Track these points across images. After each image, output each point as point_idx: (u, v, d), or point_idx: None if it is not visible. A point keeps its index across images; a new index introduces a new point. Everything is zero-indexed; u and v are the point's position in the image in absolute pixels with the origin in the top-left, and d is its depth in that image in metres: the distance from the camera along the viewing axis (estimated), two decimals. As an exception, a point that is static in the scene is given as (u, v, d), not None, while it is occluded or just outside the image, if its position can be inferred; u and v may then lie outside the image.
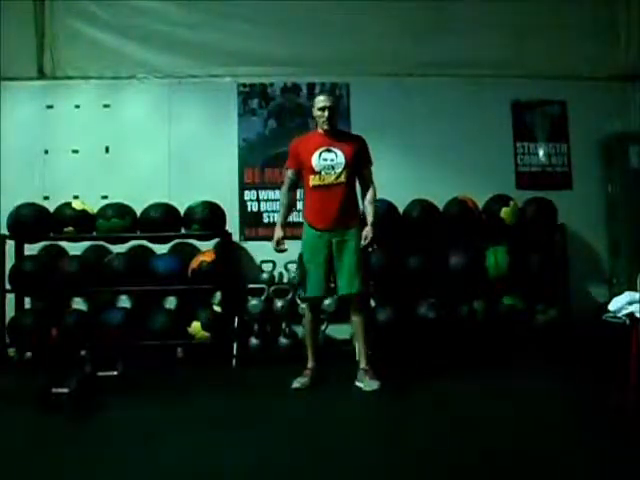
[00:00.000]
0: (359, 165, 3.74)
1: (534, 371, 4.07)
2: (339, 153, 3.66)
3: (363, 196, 3.81)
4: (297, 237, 3.88)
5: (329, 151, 3.67)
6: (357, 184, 3.84)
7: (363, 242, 3.61)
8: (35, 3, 5.32)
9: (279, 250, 3.78)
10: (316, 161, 3.65)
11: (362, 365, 3.64)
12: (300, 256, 3.76)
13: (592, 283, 5.41)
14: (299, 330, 5.01)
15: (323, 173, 3.64)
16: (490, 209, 5.08)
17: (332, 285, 3.78)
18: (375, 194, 3.79)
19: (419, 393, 3.49)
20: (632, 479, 2.12)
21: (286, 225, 3.84)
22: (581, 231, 5.40)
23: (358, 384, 3.58)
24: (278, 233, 3.76)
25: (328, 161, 3.65)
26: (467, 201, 5.05)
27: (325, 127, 3.72)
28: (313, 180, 3.67)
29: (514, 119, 5.56)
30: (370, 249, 3.89)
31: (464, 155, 5.38)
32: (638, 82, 5.59)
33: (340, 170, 3.64)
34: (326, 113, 3.69)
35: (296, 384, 3.59)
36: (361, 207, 3.84)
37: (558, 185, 5.49)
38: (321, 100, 3.75)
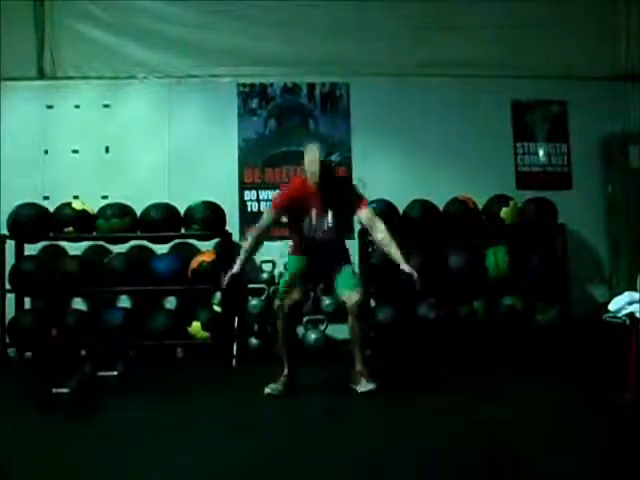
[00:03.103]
0: (352, 213, 3.60)
1: (534, 371, 4.07)
2: (330, 217, 3.51)
3: (375, 237, 3.58)
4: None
5: (321, 216, 3.51)
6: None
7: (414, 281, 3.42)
8: (35, 3, 5.33)
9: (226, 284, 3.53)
10: (307, 227, 3.53)
11: (357, 368, 3.53)
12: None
13: (592, 283, 5.41)
14: (299, 330, 5.02)
15: (312, 233, 3.54)
16: (490, 209, 5.09)
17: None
18: (387, 232, 3.51)
19: (419, 393, 3.49)
20: (632, 479, 2.12)
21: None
22: (581, 231, 5.40)
23: (353, 387, 3.49)
24: (235, 269, 3.50)
25: (320, 226, 3.52)
26: (467, 201, 5.05)
27: (315, 182, 3.46)
28: (303, 236, 3.57)
29: (514, 119, 5.57)
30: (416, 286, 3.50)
31: (464, 155, 5.38)
32: (638, 82, 5.59)
33: (331, 230, 3.53)
34: (317, 170, 3.43)
35: (268, 390, 3.44)
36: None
37: (558, 185, 5.49)
38: (310, 153, 3.50)
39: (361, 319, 3.53)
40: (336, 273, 3.58)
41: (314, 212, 3.51)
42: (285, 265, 3.76)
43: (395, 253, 3.48)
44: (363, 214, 3.54)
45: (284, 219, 3.71)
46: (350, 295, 3.50)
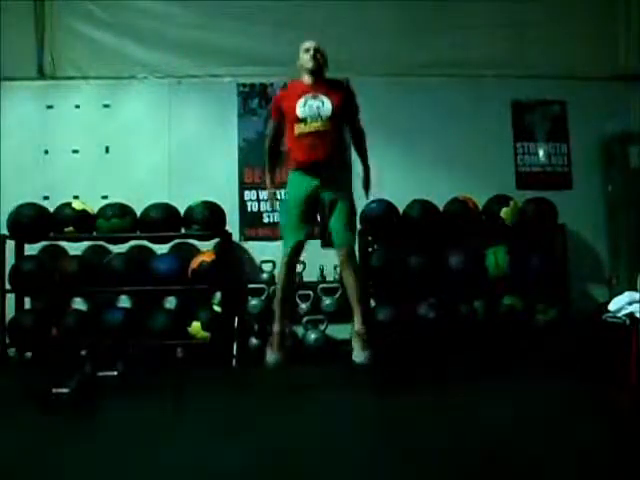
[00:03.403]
0: (348, 114, 3.63)
1: (534, 371, 4.07)
2: (326, 100, 3.48)
3: (355, 146, 3.77)
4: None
5: (315, 98, 3.48)
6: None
7: (363, 188, 3.71)
8: (35, 3, 5.33)
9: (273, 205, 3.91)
10: (301, 108, 3.46)
11: (356, 327, 3.49)
12: (284, 204, 3.70)
13: (592, 283, 5.41)
14: (299, 330, 5.02)
15: (309, 120, 3.46)
16: (490, 209, 5.08)
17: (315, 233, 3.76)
18: (364, 139, 3.80)
19: (419, 393, 3.49)
20: (632, 479, 2.12)
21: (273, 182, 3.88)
22: (581, 231, 5.40)
23: (351, 351, 3.51)
24: (270, 190, 3.83)
25: (314, 108, 3.46)
26: (467, 201, 5.05)
27: (310, 67, 3.53)
28: (298, 128, 3.49)
29: (514, 119, 5.56)
30: (366, 194, 3.83)
31: (464, 155, 5.38)
32: (638, 82, 5.59)
33: (327, 117, 3.47)
34: (311, 52, 3.54)
35: (270, 360, 3.52)
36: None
37: (558, 185, 5.49)
38: (306, 43, 3.60)
39: (354, 268, 3.50)
40: (334, 208, 3.53)
41: (307, 95, 3.51)
42: (283, 204, 3.74)
43: (363, 159, 3.79)
44: (355, 120, 3.71)
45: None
46: (341, 243, 3.49)
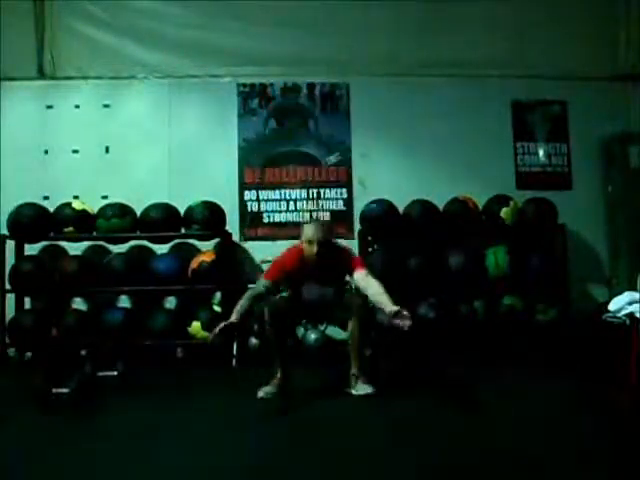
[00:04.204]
0: (348, 274, 3.57)
1: (534, 371, 4.07)
2: (329, 289, 3.58)
3: (368, 294, 3.39)
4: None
5: (319, 286, 3.57)
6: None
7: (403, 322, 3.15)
8: (35, 3, 5.32)
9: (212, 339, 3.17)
10: (305, 295, 3.59)
11: (353, 370, 3.46)
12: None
13: (592, 283, 5.41)
14: (300, 330, 5.01)
15: (309, 295, 3.60)
16: (490, 209, 5.08)
17: None
18: (380, 286, 3.34)
19: (419, 393, 3.49)
20: (632, 479, 2.12)
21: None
22: (581, 231, 5.40)
23: (348, 390, 3.41)
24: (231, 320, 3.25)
25: (316, 296, 3.58)
26: (467, 201, 5.05)
27: (314, 261, 3.44)
28: (300, 293, 3.61)
29: (514, 119, 5.56)
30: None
31: (464, 155, 5.38)
32: (638, 82, 5.59)
33: (328, 292, 3.59)
34: (314, 249, 3.40)
35: (261, 394, 3.38)
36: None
37: (558, 185, 5.49)
38: (309, 233, 3.44)
39: (361, 319, 3.45)
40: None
41: (311, 282, 3.56)
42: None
43: (382, 300, 3.25)
44: (358, 275, 3.43)
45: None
46: (351, 295, 3.49)
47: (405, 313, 3.06)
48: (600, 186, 5.50)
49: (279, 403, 3.30)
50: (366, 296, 3.40)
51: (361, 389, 3.37)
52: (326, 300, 3.57)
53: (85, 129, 5.38)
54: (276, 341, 3.50)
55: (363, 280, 3.40)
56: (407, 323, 3.04)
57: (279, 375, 3.49)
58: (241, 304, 3.33)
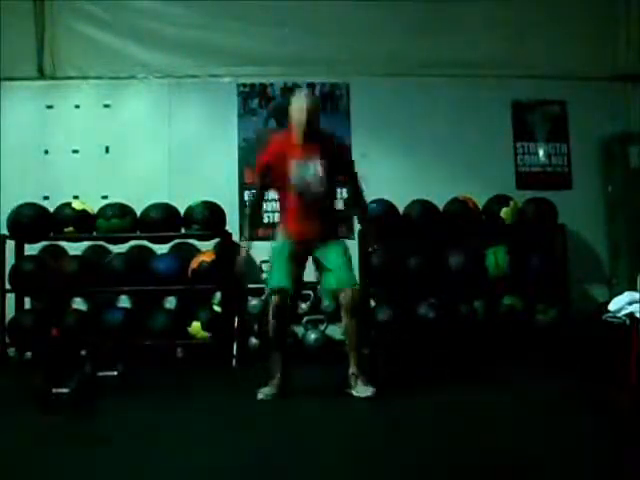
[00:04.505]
0: (340, 172, 3.52)
1: (534, 371, 4.07)
2: (317, 167, 3.36)
3: (353, 204, 3.64)
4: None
5: (305, 162, 3.36)
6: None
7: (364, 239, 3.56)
8: (35, 3, 5.32)
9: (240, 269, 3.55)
10: (291, 175, 3.36)
11: (352, 370, 3.38)
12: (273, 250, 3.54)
13: (592, 283, 5.41)
14: (299, 330, 5.02)
15: (298, 188, 3.36)
16: (490, 209, 5.09)
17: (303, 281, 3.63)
18: (362, 196, 3.60)
19: (419, 393, 3.49)
20: (632, 479, 2.12)
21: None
22: (581, 231, 5.40)
23: (349, 391, 3.35)
24: (244, 243, 3.55)
25: (304, 176, 3.35)
26: (467, 201, 5.05)
27: (301, 132, 3.36)
28: (289, 193, 3.41)
29: (514, 119, 5.57)
30: (371, 249, 3.75)
31: (464, 155, 5.38)
32: (638, 82, 5.59)
33: (317, 184, 3.37)
34: (305, 117, 3.33)
35: (260, 395, 3.33)
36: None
37: (558, 185, 5.49)
38: (300, 99, 3.44)
39: (356, 316, 3.35)
40: (327, 253, 3.40)
41: (302, 158, 3.37)
42: (271, 255, 3.55)
43: (358, 218, 3.79)
44: (349, 176, 3.55)
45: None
46: (344, 289, 3.31)
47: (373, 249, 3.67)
48: (600, 186, 5.50)
49: (279, 404, 3.30)
50: (358, 291, 3.39)
51: (361, 390, 3.30)
52: (318, 182, 3.37)
53: (85, 129, 5.38)
54: (277, 337, 3.42)
55: (354, 184, 3.57)
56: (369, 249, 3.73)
57: (278, 375, 3.43)
58: (245, 216, 3.68)
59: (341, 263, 3.38)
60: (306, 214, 3.40)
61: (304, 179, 3.36)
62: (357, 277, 3.51)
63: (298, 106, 3.37)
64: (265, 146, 3.64)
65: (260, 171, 3.55)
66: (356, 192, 3.61)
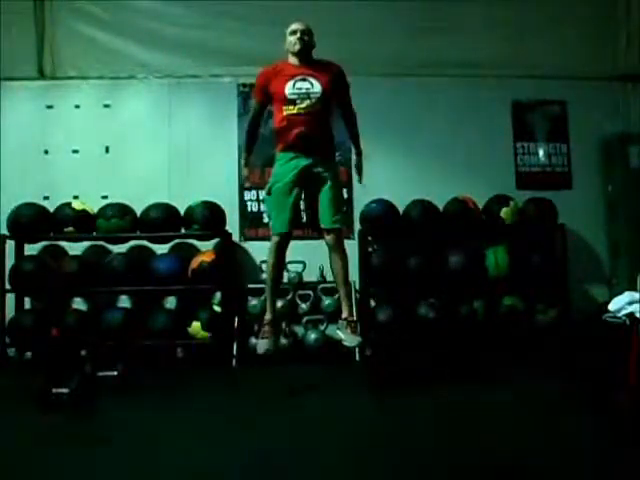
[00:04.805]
0: (337, 95, 3.56)
1: (534, 371, 4.07)
2: (315, 82, 3.42)
3: (347, 127, 3.72)
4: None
5: (304, 80, 3.42)
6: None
7: (356, 174, 3.72)
8: (35, 3, 5.32)
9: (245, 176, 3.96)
10: (289, 90, 3.39)
11: (344, 314, 3.44)
12: (269, 189, 3.55)
13: (592, 283, 5.41)
14: (299, 330, 5.02)
15: (298, 101, 3.39)
16: (490, 209, 5.09)
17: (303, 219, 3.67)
18: (356, 120, 3.73)
19: (419, 393, 3.49)
20: (632, 479, 2.12)
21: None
22: (581, 231, 5.40)
23: (339, 333, 3.42)
24: (245, 169, 3.92)
25: (303, 90, 3.40)
26: (467, 201, 5.05)
27: (297, 50, 3.46)
28: (287, 110, 3.42)
29: (514, 119, 5.57)
30: (360, 179, 3.77)
31: (464, 155, 5.38)
32: (638, 82, 5.59)
33: (316, 99, 3.40)
34: (298, 35, 3.47)
35: (264, 347, 3.43)
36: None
37: (558, 185, 5.49)
38: (294, 24, 3.54)
39: (342, 251, 3.47)
40: (320, 183, 3.47)
41: (300, 75, 3.44)
42: (270, 189, 3.55)
43: (354, 140, 3.79)
44: (345, 100, 3.63)
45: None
46: (329, 225, 3.42)
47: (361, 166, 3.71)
48: (600, 186, 5.50)
49: (279, 404, 3.30)
50: (341, 230, 3.51)
51: (349, 339, 3.36)
52: (314, 96, 3.42)
53: (85, 129, 5.38)
54: (274, 278, 3.55)
55: (349, 108, 3.68)
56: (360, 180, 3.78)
57: (269, 317, 3.53)
58: (245, 132, 3.84)
59: (330, 197, 3.47)
60: (303, 123, 3.44)
61: (302, 93, 3.42)
62: (343, 205, 3.73)
63: (292, 29, 3.53)
64: (262, 71, 3.66)
65: (259, 89, 3.59)
66: (350, 117, 3.72)
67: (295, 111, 3.42)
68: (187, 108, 5.45)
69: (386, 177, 5.33)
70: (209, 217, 4.91)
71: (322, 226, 3.47)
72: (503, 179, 5.40)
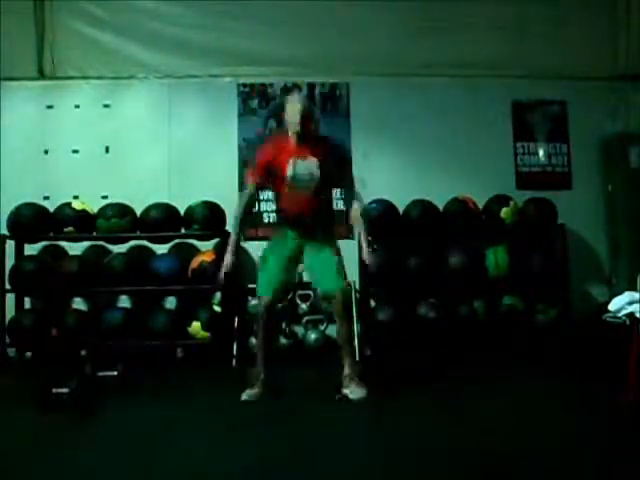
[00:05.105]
0: (337, 176, 3.49)
1: (534, 371, 4.07)
2: (314, 163, 3.38)
3: (347, 212, 3.52)
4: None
5: (304, 159, 3.37)
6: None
7: (367, 261, 3.47)
8: (35, 3, 5.33)
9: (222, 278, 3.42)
10: (290, 169, 3.37)
11: (346, 371, 3.42)
12: (263, 257, 3.54)
13: (592, 283, 5.41)
14: (299, 330, 5.03)
15: (297, 182, 3.38)
16: (490, 209, 5.09)
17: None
18: (361, 206, 3.47)
19: (419, 393, 3.49)
20: (632, 479, 2.12)
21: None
22: (581, 231, 5.40)
23: (344, 391, 3.36)
24: (228, 258, 3.39)
25: (303, 170, 3.37)
26: (467, 201, 5.05)
27: (297, 132, 3.37)
28: (286, 187, 3.42)
29: (514, 119, 5.57)
30: (371, 249, 3.58)
31: (464, 155, 5.38)
32: (638, 82, 5.59)
33: (315, 179, 3.38)
34: (298, 118, 3.34)
35: (245, 396, 3.37)
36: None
37: (558, 185, 5.49)
38: (291, 103, 3.44)
39: (347, 318, 3.45)
40: (319, 252, 3.43)
41: (297, 156, 3.38)
42: (264, 255, 3.54)
43: (360, 232, 3.49)
44: (345, 181, 3.51)
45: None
46: (334, 293, 3.39)
47: (372, 250, 3.36)
48: (600, 186, 5.50)
49: (279, 404, 3.30)
50: (346, 294, 3.47)
51: (354, 392, 3.33)
52: (314, 179, 3.37)
53: (85, 129, 5.38)
54: (264, 339, 3.48)
55: (351, 190, 3.50)
56: (373, 262, 3.51)
57: (262, 377, 3.45)
58: (234, 217, 3.51)
59: (330, 265, 3.43)
60: (302, 210, 3.43)
61: (299, 175, 3.38)
62: (345, 276, 3.50)
63: (291, 109, 3.40)
64: (263, 147, 3.64)
65: (258, 170, 3.52)
66: (351, 199, 3.50)
67: (295, 190, 3.41)
68: (187, 108, 5.46)
69: (386, 177, 5.34)
70: (209, 217, 4.91)
71: (325, 293, 3.49)
72: (503, 179, 5.41)
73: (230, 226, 3.51)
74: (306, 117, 3.39)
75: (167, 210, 4.96)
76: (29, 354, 4.99)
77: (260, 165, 3.50)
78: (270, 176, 3.47)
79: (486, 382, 3.74)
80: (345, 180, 3.55)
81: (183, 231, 5.01)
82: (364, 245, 3.44)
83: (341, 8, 5.31)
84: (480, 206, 5.11)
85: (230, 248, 3.43)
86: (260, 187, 3.64)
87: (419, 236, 5.05)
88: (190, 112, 5.45)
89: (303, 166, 3.38)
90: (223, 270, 3.41)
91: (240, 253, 3.54)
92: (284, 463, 2.35)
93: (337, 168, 3.47)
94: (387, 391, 3.46)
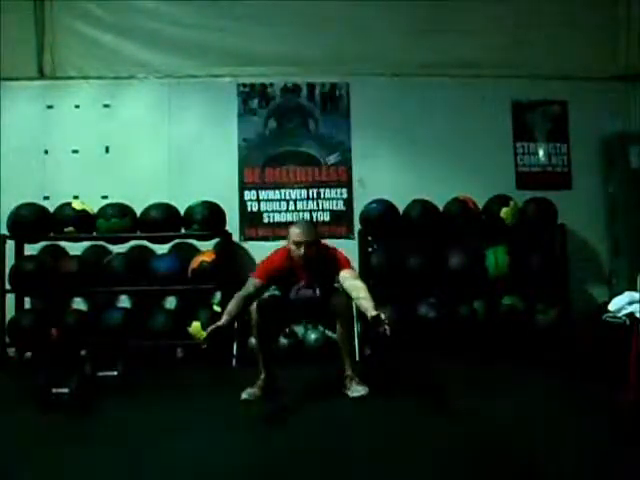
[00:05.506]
0: (335, 275, 3.51)
1: (534, 371, 4.07)
2: (317, 291, 3.56)
3: (352, 295, 3.38)
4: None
5: (306, 288, 3.56)
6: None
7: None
8: (35, 3, 5.32)
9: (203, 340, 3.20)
10: (294, 295, 3.58)
11: (347, 372, 3.49)
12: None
13: (592, 283, 5.41)
14: (299, 330, 5.02)
15: (297, 300, 3.59)
16: (490, 209, 5.09)
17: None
18: (365, 290, 3.34)
19: (419, 393, 3.49)
20: (632, 479, 2.12)
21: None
22: (581, 231, 5.40)
23: (344, 391, 3.43)
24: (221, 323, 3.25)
25: (304, 295, 3.57)
26: (467, 201, 5.05)
27: (302, 257, 3.42)
28: (289, 295, 3.62)
29: (514, 119, 5.56)
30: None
31: (464, 155, 5.38)
32: (638, 82, 5.59)
33: (317, 296, 3.56)
34: (302, 250, 3.40)
35: (245, 395, 3.39)
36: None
37: (558, 185, 5.49)
38: (296, 234, 3.44)
39: (347, 318, 3.49)
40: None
41: (301, 283, 3.55)
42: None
43: (364, 304, 3.21)
44: (343, 274, 3.44)
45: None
46: (335, 297, 3.49)
47: (383, 317, 2.99)
48: (600, 186, 5.50)
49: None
50: (347, 298, 3.45)
51: (355, 391, 3.38)
52: (315, 302, 3.56)
53: (85, 129, 5.38)
54: (261, 340, 3.53)
55: (348, 280, 3.41)
56: (386, 329, 2.97)
57: (263, 376, 3.50)
58: (232, 305, 3.38)
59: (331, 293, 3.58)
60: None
61: (301, 296, 3.57)
62: None
63: (297, 240, 3.42)
64: (272, 258, 3.60)
65: (268, 274, 3.51)
66: (361, 291, 3.37)
67: (294, 300, 3.60)
68: (187, 108, 5.45)
69: (386, 177, 5.34)
70: (209, 217, 4.91)
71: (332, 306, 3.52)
72: (503, 179, 5.40)
73: (226, 311, 3.36)
74: (312, 246, 3.44)
75: (167, 210, 4.96)
76: (29, 354, 4.98)
77: (268, 273, 3.51)
78: (274, 282, 3.61)
79: (486, 382, 3.75)
80: (349, 282, 3.44)
81: (183, 231, 5.00)
82: (370, 309, 3.13)
83: (341, 8, 5.31)
84: (480, 206, 5.11)
85: (223, 323, 3.27)
86: (262, 288, 3.56)
87: (419, 236, 5.05)
88: (190, 112, 5.45)
89: (305, 291, 3.57)
90: (209, 330, 3.20)
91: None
92: (284, 463, 2.35)
93: (335, 271, 3.50)
94: (387, 391, 3.46)
